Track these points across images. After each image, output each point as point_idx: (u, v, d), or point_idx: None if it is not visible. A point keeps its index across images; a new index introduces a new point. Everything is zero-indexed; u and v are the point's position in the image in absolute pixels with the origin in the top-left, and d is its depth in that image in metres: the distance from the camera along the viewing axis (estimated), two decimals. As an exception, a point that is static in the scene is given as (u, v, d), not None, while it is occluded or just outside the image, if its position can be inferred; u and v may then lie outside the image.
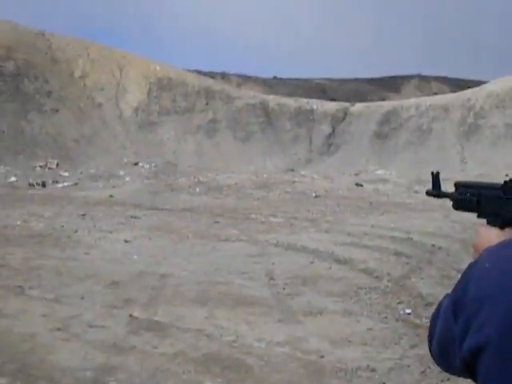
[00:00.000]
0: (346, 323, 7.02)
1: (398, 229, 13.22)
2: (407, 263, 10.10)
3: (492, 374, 0.99)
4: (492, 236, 1.48)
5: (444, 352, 1.14)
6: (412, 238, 12.11)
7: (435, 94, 48.91)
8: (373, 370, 5.62)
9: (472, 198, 1.65)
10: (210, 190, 19.90)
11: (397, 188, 22.49)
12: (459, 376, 1.15)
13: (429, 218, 14.72)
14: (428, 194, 1.92)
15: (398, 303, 7.85)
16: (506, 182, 1.54)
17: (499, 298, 1.00)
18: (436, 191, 1.87)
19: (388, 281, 8.97)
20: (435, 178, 1.87)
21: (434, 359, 1.23)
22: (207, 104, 31.90)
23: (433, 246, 11.40)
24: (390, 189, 22.40)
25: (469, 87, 34.87)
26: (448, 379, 5.09)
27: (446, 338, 1.11)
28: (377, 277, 9.19)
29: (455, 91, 37.33)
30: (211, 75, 46.54)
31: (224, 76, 61.76)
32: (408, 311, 7.42)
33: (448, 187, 1.88)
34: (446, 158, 28.40)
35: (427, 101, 33.31)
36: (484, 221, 1.61)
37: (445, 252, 10.87)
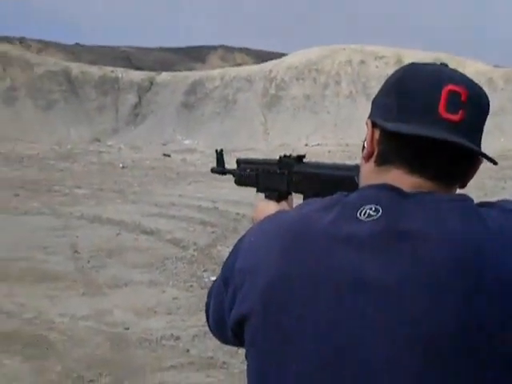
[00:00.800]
0: (151, 294, 7.04)
1: (204, 198, 13.42)
2: (213, 232, 10.30)
3: (255, 342, 1.04)
4: (268, 209, 1.54)
5: (219, 323, 1.18)
6: (218, 207, 12.36)
7: (239, 65, 49.98)
8: (177, 339, 5.70)
9: (251, 173, 1.71)
10: (9, 161, 18.91)
11: (204, 158, 22.78)
12: (234, 345, 1.19)
13: (234, 187, 14.95)
14: (213, 171, 1.96)
15: (204, 271, 8.00)
16: (280, 157, 1.61)
17: (259, 271, 1.05)
18: (220, 168, 1.91)
19: (194, 250, 9.10)
20: (219, 155, 1.90)
21: (210, 330, 1.26)
22: (4, 70, 30.13)
23: (237, 214, 11.72)
24: (198, 158, 22.66)
25: (270, 59, 36.02)
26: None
27: (219, 310, 1.15)
28: (183, 246, 9.29)
29: (258, 63, 38.40)
30: (8, 40, 43.99)
31: (23, 41, 58.63)
32: (213, 278, 7.57)
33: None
34: (251, 129, 29.23)
35: (231, 72, 33.95)
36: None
37: (249, 220, 11.21)
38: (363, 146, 1.12)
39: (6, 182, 15.00)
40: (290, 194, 1.62)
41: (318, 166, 1.53)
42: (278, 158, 1.62)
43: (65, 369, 4.98)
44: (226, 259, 1.16)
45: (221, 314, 1.14)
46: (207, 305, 1.25)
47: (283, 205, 1.60)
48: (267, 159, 1.74)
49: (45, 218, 10.93)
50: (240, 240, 1.15)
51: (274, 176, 1.61)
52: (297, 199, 1.59)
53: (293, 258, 1.02)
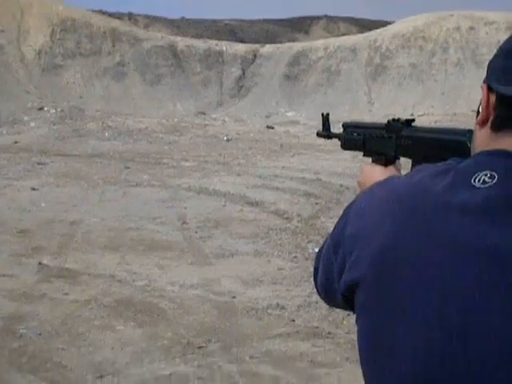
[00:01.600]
0: (257, 264, 7.17)
1: (307, 170, 13.44)
2: (316, 203, 10.32)
3: (366, 308, 1.05)
4: (375, 174, 1.53)
5: (327, 287, 1.19)
6: (321, 179, 12.35)
7: (343, 35, 49.31)
8: (282, 308, 5.79)
9: (358, 137, 1.70)
10: (120, 134, 19.57)
11: (307, 130, 22.74)
12: (343, 309, 1.20)
13: (337, 158, 15.01)
14: (318, 135, 1.96)
15: (308, 242, 8.05)
16: (388, 121, 1.59)
17: (371, 236, 1.05)
18: (325, 132, 1.91)
19: (298, 221, 9.16)
20: (325, 119, 1.90)
21: (318, 294, 1.28)
22: (114, 46, 31.05)
23: (341, 186, 11.67)
24: (301, 130, 22.65)
25: (375, 28, 35.32)
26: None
27: (328, 275, 1.15)
28: (287, 218, 9.37)
29: (362, 32, 37.75)
30: (117, 16, 45.21)
31: (131, 17, 60.13)
32: (317, 250, 7.60)
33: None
34: (354, 99, 28.87)
35: (335, 42, 33.55)
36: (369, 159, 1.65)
37: (352, 191, 11.14)
38: (477, 111, 1.09)
39: (117, 155, 15.56)
40: (398, 158, 1.60)
41: (427, 130, 1.51)
42: (385, 121, 1.61)
43: (175, 335, 5.17)
44: (336, 224, 1.16)
45: (330, 279, 1.14)
46: (315, 269, 1.26)
47: (390, 169, 1.58)
48: (375, 123, 1.72)
49: (154, 190, 11.28)
50: (349, 205, 1.15)
51: (381, 140, 1.60)
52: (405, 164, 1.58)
53: (406, 224, 1.01)
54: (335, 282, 1.12)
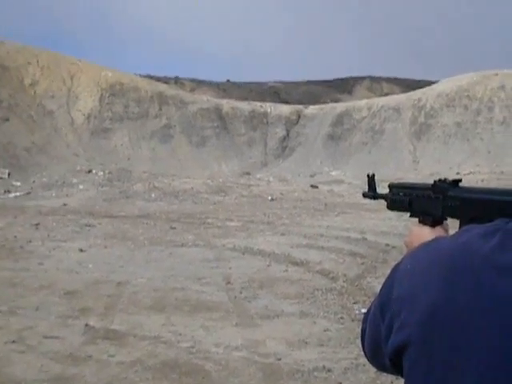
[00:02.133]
0: (302, 325, 7.08)
1: (352, 229, 13.37)
2: (362, 263, 10.22)
3: (414, 371, 1.03)
4: (423, 234, 1.52)
5: (374, 350, 1.17)
6: (366, 238, 12.26)
7: (386, 94, 49.52)
8: (329, 371, 5.69)
9: (404, 198, 1.69)
10: (166, 195, 19.82)
11: (351, 189, 22.72)
12: (391, 373, 1.18)
13: (383, 217, 14.92)
14: (364, 195, 1.96)
15: (354, 303, 7.94)
16: (435, 181, 1.58)
17: (418, 298, 1.03)
18: (371, 193, 1.91)
19: (344, 281, 9.07)
20: (371, 179, 1.90)
21: (366, 358, 1.26)
22: (160, 109, 31.76)
23: (387, 245, 11.56)
24: (345, 189, 22.62)
25: (419, 87, 35.42)
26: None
27: (376, 338, 1.14)
28: (333, 278, 9.28)
29: (406, 92, 37.89)
30: (164, 80, 46.35)
31: (177, 81, 61.59)
32: (364, 311, 7.49)
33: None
34: (399, 158, 28.81)
35: (379, 102, 33.73)
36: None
37: (398, 251, 11.02)
38: None
39: (163, 215, 15.74)
40: (446, 219, 1.59)
41: (475, 190, 1.49)
42: (431, 181, 1.60)
43: (220, 397, 5.11)
44: (382, 286, 1.15)
45: (377, 342, 1.13)
46: (363, 331, 1.24)
47: (438, 230, 1.57)
48: (421, 183, 1.71)
49: (199, 250, 11.33)
50: (396, 267, 1.14)
51: (428, 200, 1.59)
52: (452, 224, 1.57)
53: (454, 286, 1.00)
54: (383, 344, 1.10)
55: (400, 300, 1.07)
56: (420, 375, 1.02)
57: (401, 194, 1.71)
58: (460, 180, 1.54)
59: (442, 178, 1.58)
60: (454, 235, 1.13)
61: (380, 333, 1.11)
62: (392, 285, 1.11)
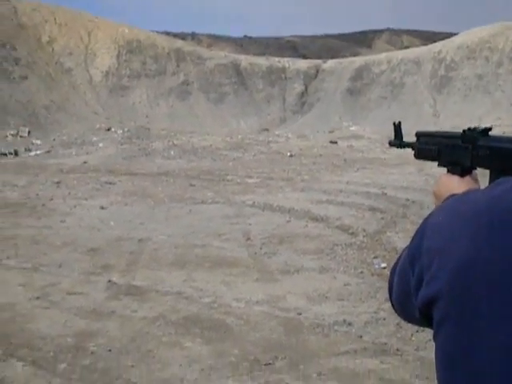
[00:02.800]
0: (322, 280, 7.12)
1: (372, 184, 13.33)
2: (382, 218, 10.22)
3: (443, 324, 1.03)
4: (452, 184, 1.50)
5: (403, 302, 1.17)
6: (386, 193, 12.22)
7: (406, 47, 48.83)
8: (350, 324, 5.73)
9: (433, 147, 1.67)
10: (185, 152, 19.84)
11: (371, 144, 22.58)
12: (419, 325, 1.18)
13: (403, 172, 14.84)
14: (390, 144, 1.94)
15: (374, 258, 7.96)
16: (464, 130, 1.55)
17: (448, 251, 1.03)
18: (398, 141, 1.88)
19: (363, 236, 9.08)
20: (397, 127, 1.88)
21: (394, 309, 1.25)
22: (178, 66, 31.59)
23: (407, 200, 11.52)
24: (365, 145, 22.49)
25: (440, 39, 34.87)
26: (423, 330, 5.21)
27: (404, 289, 1.13)
28: (352, 233, 9.30)
29: (426, 44, 37.32)
30: (181, 36, 46.00)
31: (194, 37, 61.11)
32: (383, 265, 7.53)
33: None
34: (419, 112, 28.53)
35: (398, 55, 33.27)
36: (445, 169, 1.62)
37: (418, 206, 11.00)
38: None
39: (182, 172, 15.78)
40: (475, 168, 1.56)
41: (505, 139, 1.46)
42: (461, 131, 1.57)
43: (242, 352, 5.18)
44: (412, 238, 1.13)
45: (407, 294, 1.12)
46: (390, 283, 1.23)
47: (467, 180, 1.54)
48: (449, 132, 1.68)
49: (219, 207, 11.38)
50: (427, 219, 1.13)
51: (456, 150, 1.56)
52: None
53: (486, 240, 0.99)
54: (412, 296, 1.10)
55: (431, 252, 1.06)
56: (451, 327, 1.01)
57: (429, 142, 1.68)
58: (490, 129, 1.51)
59: (472, 126, 1.55)
60: (486, 188, 1.12)
61: (409, 285, 1.11)
62: (422, 237, 1.10)
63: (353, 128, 28.22)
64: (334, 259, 7.97)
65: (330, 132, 27.10)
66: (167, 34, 40.48)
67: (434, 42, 35.02)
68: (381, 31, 74.99)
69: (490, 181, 1.40)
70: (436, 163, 1.67)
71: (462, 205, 1.09)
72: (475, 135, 1.52)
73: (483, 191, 1.11)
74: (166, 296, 6.55)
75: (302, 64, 34.67)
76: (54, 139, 22.80)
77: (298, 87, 33.04)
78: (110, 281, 7.00)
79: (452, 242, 1.03)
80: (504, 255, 0.97)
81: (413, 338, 5.33)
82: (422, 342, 5.24)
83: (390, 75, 31.58)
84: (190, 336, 5.52)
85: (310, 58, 39.09)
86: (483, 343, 0.97)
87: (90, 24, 31.26)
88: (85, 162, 17.62)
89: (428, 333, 5.14)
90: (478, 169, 1.55)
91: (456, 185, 1.49)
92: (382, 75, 31.83)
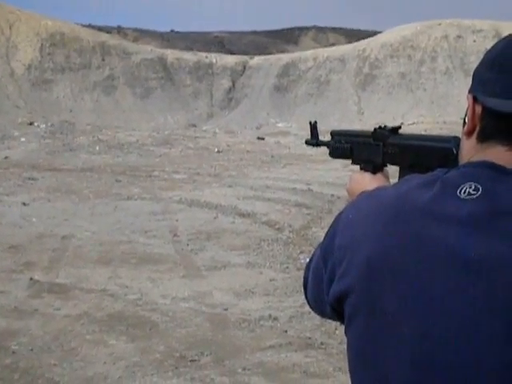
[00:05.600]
0: (249, 275, 7.16)
1: (298, 180, 13.47)
2: (308, 214, 10.34)
3: (354, 319, 1.05)
4: (364, 181, 1.54)
5: (317, 298, 1.19)
6: (312, 189, 12.37)
7: (332, 45, 49.50)
8: (275, 319, 5.79)
9: (346, 145, 1.70)
10: (111, 148, 19.54)
11: (297, 140, 22.77)
12: (332, 320, 1.20)
13: (328, 168, 15.04)
14: (307, 143, 1.96)
15: (300, 253, 8.06)
16: (375, 129, 1.59)
17: (358, 247, 1.05)
18: (314, 140, 1.91)
19: (290, 232, 9.17)
20: (313, 127, 1.90)
21: (308, 304, 1.28)
22: (103, 60, 31.08)
23: (332, 195, 11.69)
24: (292, 141, 22.68)
25: (364, 38, 35.49)
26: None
27: (318, 286, 1.16)
28: (279, 228, 9.38)
29: (351, 42, 37.93)
30: (106, 30, 45.26)
31: (120, 30, 60.24)
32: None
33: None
34: (345, 109, 28.98)
35: (324, 52, 33.69)
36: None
37: (344, 201, 11.15)
38: (464, 122, 1.09)
39: (108, 168, 15.55)
40: (386, 165, 1.61)
41: (413, 137, 1.50)
42: (372, 129, 1.61)
43: (168, 348, 5.16)
44: (325, 235, 1.16)
45: (320, 290, 1.15)
46: (305, 279, 1.26)
47: (379, 176, 1.58)
48: (362, 131, 1.72)
49: (145, 203, 11.27)
50: (338, 216, 1.16)
51: (368, 147, 1.60)
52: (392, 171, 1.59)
53: (392, 235, 1.02)
54: (325, 292, 1.13)
55: (342, 249, 1.09)
56: (360, 322, 1.04)
57: (342, 141, 1.72)
58: (399, 127, 1.56)
59: (382, 125, 1.60)
60: (394, 185, 1.15)
61: (322, 281, 1.13)
62: (334, 234, 1.13)
63: (280, 124, 28.42)
64: (260, 255, 8.03)
65: (258, 128, 27.22)
66: (92, 27, 39.77)
67: (359, 39, 35.62)
68: (307, 28, 75.75)
69: (400, 177, 1.45)
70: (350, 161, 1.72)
71: (370, 201, 1.12)
72: (385, 133, 1.56)
73: (391, 188, 1.14)
74: (91, 293, 6.45)
75: (230, 60, 34.67)
76: (-26, 134, 22.06)
77: (226, 83, 33.03)
78: (31, 279, 6.84)
79: (361, 238, 1.06)
80: (407, 249, 1.00)
81: (337, 332, 5.42)
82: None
83: (315, 72, 31.95)
84: (115, 333, 5.45)
85: (238, 54, 39.13)
86: (390, 336, 1.00)
87: (12, 16, 30.38)
88: (6, 157, 17.12)
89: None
90: (389, 166, 1.59)
91: (368, 182, 1.53)
92: (308, 72, 32.17)
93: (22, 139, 21.07)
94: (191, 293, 6.53)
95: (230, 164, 16.61)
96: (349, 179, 1.63)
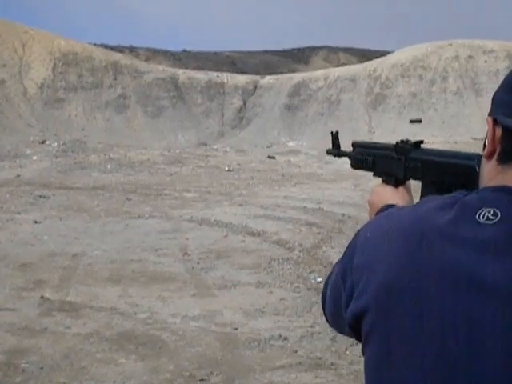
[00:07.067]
0: (259, 295, 7.14)
1: (309, 199, 13.46)
2: (318, 233, 10.32)
3: (371, 339, 1.06)
4: (386, 194, 1.53)
5: (335, 315, 1.20)
6: (323, 208, 12.36)
7: (343, 64, 49.65)
8: (285, 339, 5.76)
9: (368, 157, 1.69)
10: (122, 166, 19.62)
11: (308, 159, 22.81)
12: (350, 337, 1.21)
13: (339, 187, 15.04)
14: (328, 152, 1.96)
15: (310, 272, 8.03)
16: (397, 142, 1.58)
17: (376, 267, 1.06)
18: (335, 150, 1.91)
19: (300, 251, 9.15)
20: (334, 137, 1.90)
21: (327, 320, 1.28)
22: (115, 79, 31.30)
23: (343, 215, 11.68)
24: (302, 160, 22.70)
25: (375, 58, 35.58)
26: (357, 344, 5.27)
27: (337, 303, 1.16)
28: (289, 248, 9.36)
29: (362, 62, 38.03)
30: (118, 49, 45.61)
31: (132, 50, 60.69)
32: (319, 280, 7.60)
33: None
34: (355, 128, 29.00)
35: (335, 72, 33.80)
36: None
37: (354, 221, 11.16)
38: (484, 144, 1.09)
39: (119, 186, 15.60)
40: (408, 179, 1.59)
41: (436, 153, 1.49)
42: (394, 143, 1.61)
43: (177, 368, 5.14)
44: (344, 253, 1.16)
45: (338, 307, 1.15)
46: (323, 295, 1.26)
47: (401, 190, 1.57)
48: (384, 144, 1.70)
49: (156, 221, 11.29)
50: (357, 234, 1.16)
51: (390, 161, 1.59)
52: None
53: (409, 256, 1.02)
54: (343, 310, 1.13)
55: (360, 268, 1.09)
56: (377, 341, 1.04)
57: (364, 153, 1.71)
58: (422, 141, 1.55)
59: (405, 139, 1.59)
60: (413, 206, 1.16)
61: (341, 298, 1.14)
62: (353, 252, 1.13)
63: (290, 143, 28.47)
64: (270, 274, 8.01)
65: (268, 147, 27.27)
66: (104, 46, 40.09)
67: (370, 60, 35.72)
68: (318, 48, 76.05)
69: (422, 191, 1.44)
70: (371, 174, 1.71)
71: (389, 221, 1.12)
72: (407, 147, 1.55)
73: (409, 209, 1.14)
74: (101, 312, 6.45)
75: (241, 79, 34.84)
76: (-13, 152, 22.20)
77: (237, 102, 33.17)
78: (42, 297, 6.85)
79: (379, 258, 1.07)
80: (424, 271, 1.00)
81: (347, 352, 5.39)
82: (356, 355, 5.31)
83: (326, 92, 32.03)
84: (125, 352, 5.44)
85: (249, 74, 39.32)
86: (405, 357, 1.00)
87: (25, 35, 30.70)
88: (18, 176, 17.22)
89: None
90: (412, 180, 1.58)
91: (389, 195, 1.53)
92: (318, 92, 32.26)
93: (34, 157, 21.20)
94: (201, 312, 6.52)
95: (240, 183, 16.63)
96: (370, 192, 1.62)
